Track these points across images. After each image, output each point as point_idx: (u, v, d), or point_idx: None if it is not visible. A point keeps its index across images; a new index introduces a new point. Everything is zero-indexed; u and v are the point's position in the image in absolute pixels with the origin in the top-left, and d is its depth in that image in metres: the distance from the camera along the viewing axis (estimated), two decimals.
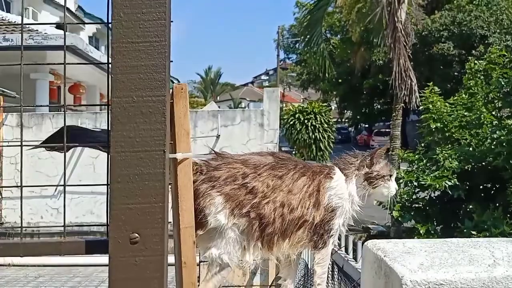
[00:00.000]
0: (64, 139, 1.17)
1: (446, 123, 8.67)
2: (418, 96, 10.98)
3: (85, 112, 8.79)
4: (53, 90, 11.67)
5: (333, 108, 34.79)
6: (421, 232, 7.57)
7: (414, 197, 8.16)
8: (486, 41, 19.79)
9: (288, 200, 1.64)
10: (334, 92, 33.98)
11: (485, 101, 8.68)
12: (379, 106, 30.74)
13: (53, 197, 8.38)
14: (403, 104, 11.75)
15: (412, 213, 8.08)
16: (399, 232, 9.97)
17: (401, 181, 7.89)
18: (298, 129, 15.74)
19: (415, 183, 7.97)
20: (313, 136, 15.59)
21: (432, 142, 9.05)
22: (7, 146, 8.17)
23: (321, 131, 15.63)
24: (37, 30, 10.13)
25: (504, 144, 7.13)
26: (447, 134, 8.69)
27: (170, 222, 1.20)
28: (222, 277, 1.63)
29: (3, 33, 9.75)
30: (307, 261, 3.61)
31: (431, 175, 7.70)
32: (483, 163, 7.82)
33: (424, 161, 8.25)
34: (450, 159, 7.71)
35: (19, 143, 1.20)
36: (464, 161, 7.79)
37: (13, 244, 1.17)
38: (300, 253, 1.79)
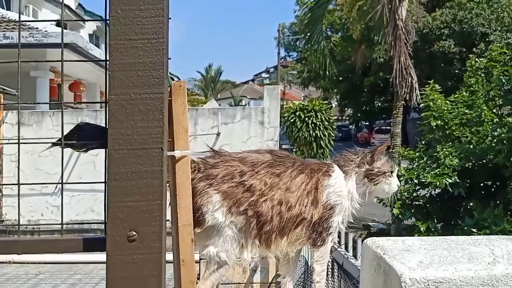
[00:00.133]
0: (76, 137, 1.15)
1: (446, 120, 8.68)
2: (418, 94, 10.97)
3: (85, 109, 8.79)
4: (53, 88, 11.65)
5: (333, 106, 34.70)
6: (421, 229, 7.59)
7: (414, 194, 8.17)
8: (487, 39, 19.75)
9: (286, 198, 1.64)
10: (335, 90, 33.93)
11: (486, 98, 8.69)
12: (379, 104, 30.68)
13: (53, 195, 8.39)
14: (403, 102, 11.75)
15: (412, 211, 8.10)
16: (400, 229, 9.99)
17: (401, 178, 7.88)
18: (299, 126, 15.69)
19: (416, 181, 7.98)
20: (314, 134, 15.55)
21: (432, 139, 9.06)
22: (7, 143, 8.16)
23: (322, 129, 15.59)
24: (37, 28, 10.11)
25: (504, 141, 7.14)
26: (447, 131, 8.70)
27: (168, 220, 1.20)
28: (220, 275, 1.63)
29: (3, 31, 9.73)
30: (307, 259, 3.61)
31: (432, 172, 7.71)
32: (484, 161, 7.83)
33: (425, 158, 8.26)
34: (450, 157, 7.71)
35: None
36: (464, 159, 7.79)
37: (11, 242, 1.17)
38: (299, 250, 1.79)
